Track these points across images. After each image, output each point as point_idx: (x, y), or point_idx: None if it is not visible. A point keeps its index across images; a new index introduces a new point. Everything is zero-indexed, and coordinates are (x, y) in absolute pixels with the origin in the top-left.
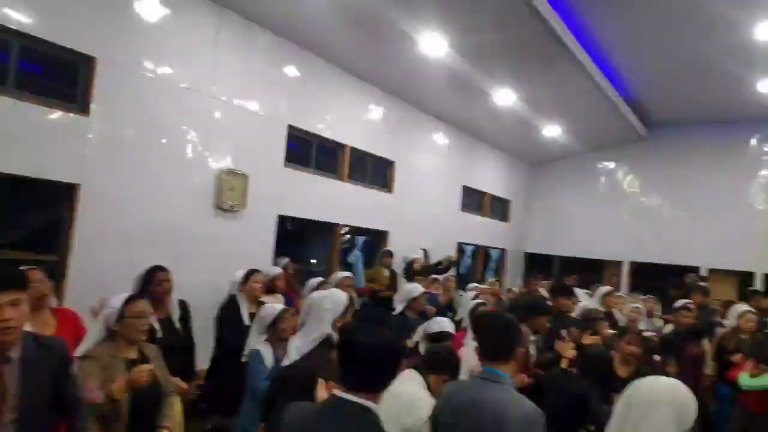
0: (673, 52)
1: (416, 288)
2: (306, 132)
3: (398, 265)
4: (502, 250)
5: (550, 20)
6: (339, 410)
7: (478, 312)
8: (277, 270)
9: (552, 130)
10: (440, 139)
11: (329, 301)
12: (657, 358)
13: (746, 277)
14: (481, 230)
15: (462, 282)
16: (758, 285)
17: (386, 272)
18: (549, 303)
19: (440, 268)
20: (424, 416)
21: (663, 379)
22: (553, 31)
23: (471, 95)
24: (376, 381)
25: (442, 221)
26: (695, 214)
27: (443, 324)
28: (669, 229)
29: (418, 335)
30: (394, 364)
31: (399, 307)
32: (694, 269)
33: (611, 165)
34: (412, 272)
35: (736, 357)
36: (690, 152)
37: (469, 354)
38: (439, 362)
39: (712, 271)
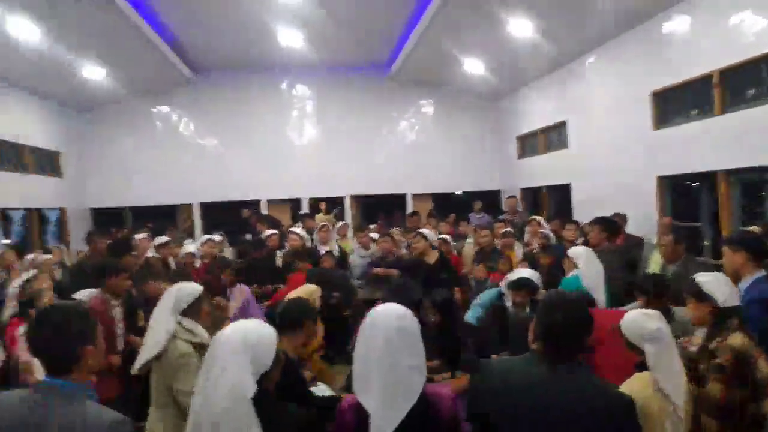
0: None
1: None
2: None
3: None
4: (61, 209)
5: None
6: None
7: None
8: None
9: (94, 73)
10: None
11: None
12: None
13: (295, 203)
14: (28, 190)
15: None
16: (306, 208)
17: None
18: None
19: None
20: None
21: None
22: None
23: None
24: None
25: None
26: (251, 152)
27: None
28: (230, 168)
29: None
30: None
31: None
32: (257, 202)
33: (165, 109)
34: None
35: None
36: (236, 95)
37: None
38: None
39: (270, 201)
